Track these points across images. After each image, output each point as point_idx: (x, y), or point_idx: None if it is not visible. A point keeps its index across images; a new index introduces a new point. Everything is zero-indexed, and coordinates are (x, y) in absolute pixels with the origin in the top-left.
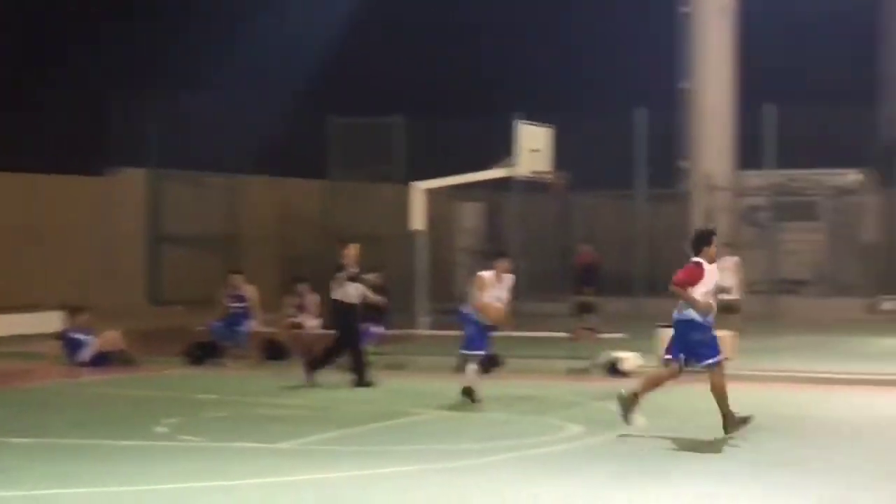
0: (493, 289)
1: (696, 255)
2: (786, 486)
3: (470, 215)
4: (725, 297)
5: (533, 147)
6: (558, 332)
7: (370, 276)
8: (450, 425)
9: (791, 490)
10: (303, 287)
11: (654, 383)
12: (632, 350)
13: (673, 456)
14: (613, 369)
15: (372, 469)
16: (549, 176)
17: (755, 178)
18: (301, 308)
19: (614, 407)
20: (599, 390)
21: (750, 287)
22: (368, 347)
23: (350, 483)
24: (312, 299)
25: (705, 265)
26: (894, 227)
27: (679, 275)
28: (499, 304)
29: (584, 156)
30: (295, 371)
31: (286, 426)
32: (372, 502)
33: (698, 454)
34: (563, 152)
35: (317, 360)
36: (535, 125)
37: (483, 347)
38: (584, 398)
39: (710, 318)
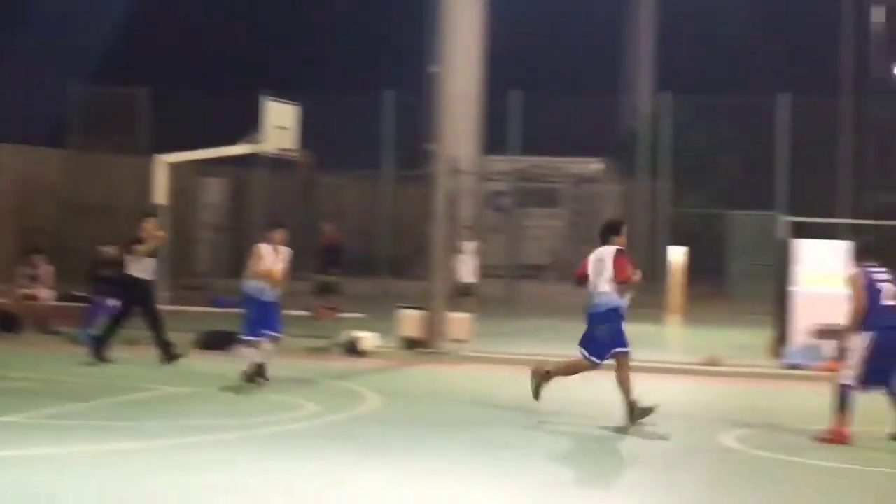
0: (271, 261)
1: (606, 243)
2: (509, 467)
3: (214, 191)
4: (465, 281)
5: (280, 124)
6: (300, 310)
7: (107, 249)
8: (185, 402)
9: (515, 471)
10: (38, 258)
11: (626, 380)
12: (372, 330)
13: (404, 436)
14: (352, 349)
15: (101, 444)
16: (296, 154)
17: (500, 163)
18: (35, 279)
19: (351, 385)
20: (338, 370)
21: (490, 271)
22: (105, 322)
23: (76, 459)
24: (47, 270)
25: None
26: (631, 215)
27: (624, 271)
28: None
29: (332, 135)
30: (28, 343)
31: (16, 399)
32: (98, 478)
33: (429, 434)
34: (310, 131)
35: (159, 346)
36: (283, 102)
37: (265, 329)
38: (323, 377)
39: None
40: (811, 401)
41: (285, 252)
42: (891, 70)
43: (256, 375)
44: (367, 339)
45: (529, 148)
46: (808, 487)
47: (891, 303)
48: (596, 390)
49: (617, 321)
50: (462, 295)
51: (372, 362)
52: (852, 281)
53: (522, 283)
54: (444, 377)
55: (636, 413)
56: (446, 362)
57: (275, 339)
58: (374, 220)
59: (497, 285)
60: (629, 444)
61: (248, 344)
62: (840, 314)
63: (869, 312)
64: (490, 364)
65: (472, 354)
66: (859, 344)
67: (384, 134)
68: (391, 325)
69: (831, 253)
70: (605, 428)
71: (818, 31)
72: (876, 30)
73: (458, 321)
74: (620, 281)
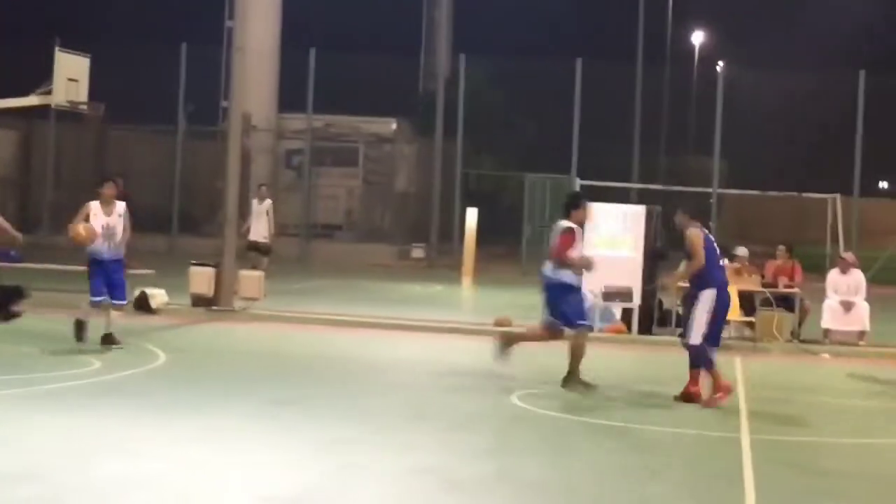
0: (102, 217)
1: (566, 218)
2: (293, 425)
3: (2, 143)
4: (258, 239)
5: (71, 76)
6: (86, 265)
7: None
8: None
9: (300, 428)
10: None
11: (535, 337)
12: (161, 287)
13: (191, 393)
14: (142, 306)
15: None
16: (86, 107)
17: (296, 121)
18: None
19: (140, 342)
20: (127, 326)
21: (285, 230)
22: None
23: None
24: None
25: (576, 228)
26: (428, 176)
27: (557, 247)
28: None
29: (126, 88)
30: None
31: None
32: None
33: (216, 392)
34: (104, 83)
35: None
36: (74, 53)
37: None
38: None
39: (582, 280)
40: (599, 362)
41: (120, 207)
42: (688, 38)
43: (83, 333)
44: (157, 295)
45: (326, 106)
46: (590, 445)
47: (722, 262)
48: (356, 350)
49: (564, 296)
50: (255, 253)
51: (161, 319)
52: (694, 240)
53: (316, 241)
54: (233, 335)
55: (575, 380)
56: (237, 320)
57: (117, 306)
58: (167, 176)
59: (291, 244)
60: (418, 402)
61: (93, 304)
62: (628, 277)
63: (710, 270)
64: (281, 322)
65: (262, 312)
66: (705, 301)
67: (179, 88)
68: (182, 283)
69: (622, 216)
70: (398, 387)
71: None
72: None
73: (250, 279)
74: (554, 257)
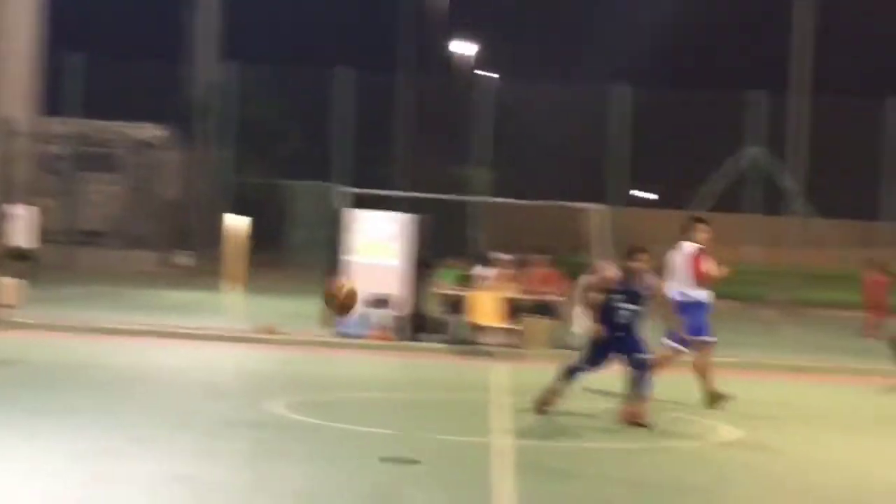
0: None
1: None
2: (53, 434)
3: None
4: (19, 245)
5: None
6: None
7: None
8: None
9: (58, 438)
10: None
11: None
12: None
13: None
14: None
15: None
16: None
17: (57, 125)
18: None
19: None
20: None
21: (48, 236)
22: None
23: None
24: None
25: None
26: (191, 183)
27: (700, 270)
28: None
29: None
30: None
31: None
32: None
33: None
34: None
35: None
36: None
37: None
38: None
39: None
40: (361, 368)
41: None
42: (461, 50)
43: None
44: None
45: (88, 111)
46: (352, 453)
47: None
48: (117, 358)
49: (699, 313)
50: (16, 259)
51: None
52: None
53: (79, 248)
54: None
55: (714, 400)
56: None
57: None
58: None
59: (54, 250)
60: (179, 410)
61: None
62: (391, 284)
63: None
64: (41, 331)
65: (20, 320)
66: None
67: None
68: None
69: (386, 224)
70: (160, 395)
71: (378, 6)
72: (438, 8)
73: (7, 286)
74: (696, 278)
